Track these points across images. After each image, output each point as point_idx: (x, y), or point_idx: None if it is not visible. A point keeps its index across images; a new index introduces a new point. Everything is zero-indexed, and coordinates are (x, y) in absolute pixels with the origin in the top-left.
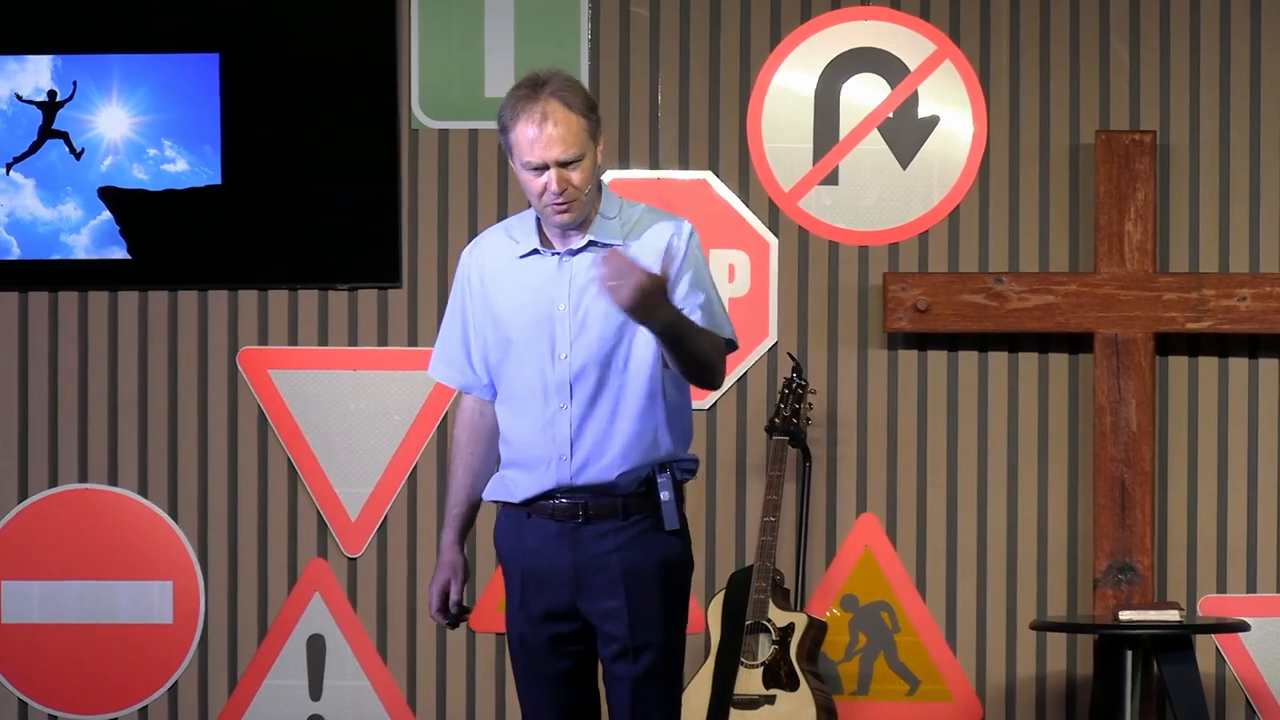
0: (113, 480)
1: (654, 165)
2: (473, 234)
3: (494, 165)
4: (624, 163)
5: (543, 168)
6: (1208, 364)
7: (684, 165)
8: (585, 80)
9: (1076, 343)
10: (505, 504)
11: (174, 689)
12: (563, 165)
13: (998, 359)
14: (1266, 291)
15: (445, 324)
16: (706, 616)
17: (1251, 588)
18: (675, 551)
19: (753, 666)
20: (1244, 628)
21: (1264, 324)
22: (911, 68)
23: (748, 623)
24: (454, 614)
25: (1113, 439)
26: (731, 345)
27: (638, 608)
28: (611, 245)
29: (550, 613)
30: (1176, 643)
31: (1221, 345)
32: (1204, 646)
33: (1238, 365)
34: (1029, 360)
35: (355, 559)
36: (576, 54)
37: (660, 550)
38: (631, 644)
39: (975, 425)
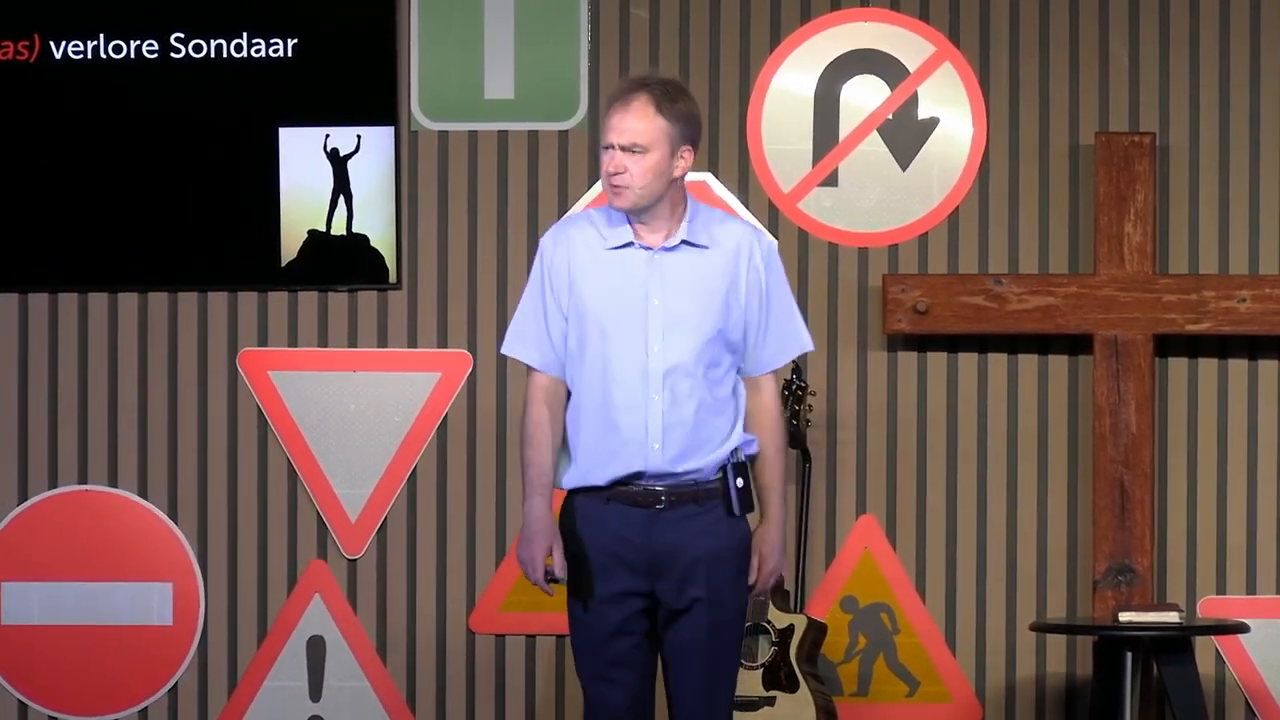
0: (112, 482)
1: None
2: (473, 235)
3: (493, 167)
4: None
5: (609, 148)
6: (1207, 366)
7: None
8: (584, 82)
9: (1076, 344)
10: (583, 489)
11: (174, 690)
12: (626, 151)
13: (997, 360)
14: (1266, 293)
15: (524, 306)
16: None
17: (1251, 589)
18: (744, 535)
19: (753, 668)
20: (1244, 629)
21: (1264, 325)
22: (911, 69)
23: (747, 624)
24: (559, 577)
25: (1112, 440)
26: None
27: (715, 590)
28: (699, 245)
29: (626, 593)
30: (1176, 644)
31: (1221, 347)
32: (1203, 648)
33: (1237, 367)
34: (1028, 362)
35: (355, 560)
36: (576, 55)
37: (734, 534)
38: (709, 624)
39: (975, 427)
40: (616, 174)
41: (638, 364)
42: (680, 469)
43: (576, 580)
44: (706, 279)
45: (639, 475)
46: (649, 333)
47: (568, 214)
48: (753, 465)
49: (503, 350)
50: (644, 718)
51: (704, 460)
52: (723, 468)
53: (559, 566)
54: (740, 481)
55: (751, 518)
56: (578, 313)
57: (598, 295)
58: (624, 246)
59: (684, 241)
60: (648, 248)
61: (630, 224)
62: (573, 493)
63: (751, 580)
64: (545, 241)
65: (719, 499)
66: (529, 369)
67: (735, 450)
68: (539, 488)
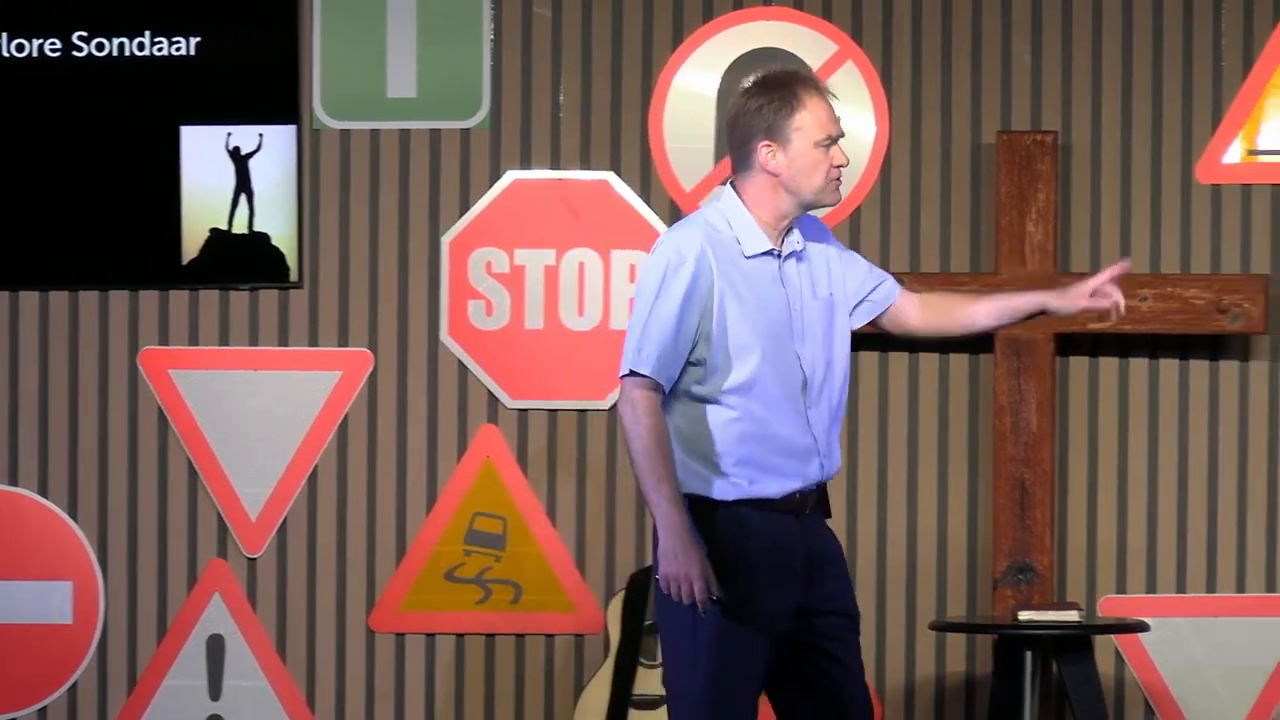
0: (12, 480)
1: (556, 165)
2: (374, 234)
3: (395, 165)
4: (525, 163)
5: (832, 142)
6: (1108, 364)
7: (586, 165)
8: (487, 80)
9: (977, 343)
10: (746, 501)
11: (73, 689)
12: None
13: (898, 359)
14: (1167, 292)
15: (656, 318)
16: (606, 616)
17: (1151, 588)
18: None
19: (652, 666)
20: (1143, 628)
21: (1165, 324)
22: (813, 68)
23: (647, 622)
24: (716, 594)
25: (1012, 439)
26: None
27: (850, 589)
28: (802, 250)
29: (783, 609)
30: (1075, 643)
31: (1122, 346)
32: (1103, 647)
33: (1138, 366)
34: (929, 361)
35: (255, 559)
36: (479, 54)
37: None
38: (856, 621)
39: (875, 426)
40: (842, 166)
41: (792, 374)
42: (831, 475)
43: (736, 595)
44: (817, 283)
45: (803, 484)
46: (794, 342)
47: (685, 219)
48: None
49: (637, 369)
50: None
51: (837, 464)
52: None
53: (712, 582)
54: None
55: None
56: (723, 324)
57: (749, 306)
58: (763, 255)
59: (796, 249)
60: (778, 254)
61: (760, 229)
62: (721, 505)
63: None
64: (682, 250)
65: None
66: (636, 380)
67: None
68: (677, 498)
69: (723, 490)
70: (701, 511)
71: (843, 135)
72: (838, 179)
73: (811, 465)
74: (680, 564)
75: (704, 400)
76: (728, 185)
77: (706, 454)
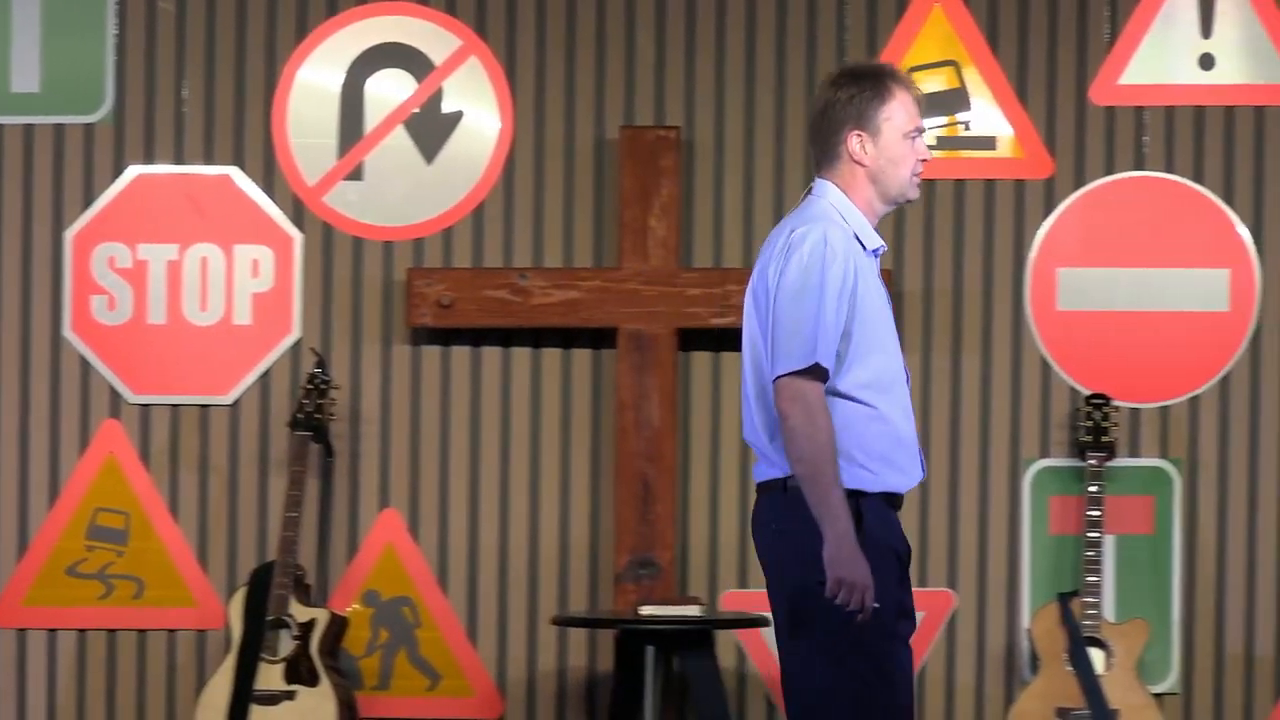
0: None
1: (179, 160)
2: None
3: (19, 161)
4: (149, 158)
5: (919, 134)
6: (731, 359)
7: (209, 161)
8: (110, 75)
9: (600, 338)
10: (888, 494)
11: None
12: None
13: (521, 355)
14: None
15: (829, 314)
16: (228, 611)
17: None
18: None
19: (274, 662)
20: (764, 623)
21: None
22: (437, 63)
23: (269, 618)
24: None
25: (635, 434)
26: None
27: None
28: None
29: (905, 605)
30: (697, 638)
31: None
32: (725, 642)
33: None
34: (552, 356)
35: None
36: (101, 48)
37: None
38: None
39: (498, 421)
40: (926, 161)
41: (903, 370)
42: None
43: (888, 593)
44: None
45: (915, 481)
46: (897, 339)
47: (808, 214)
48: None
49: (809, 362)
50: None
51: None
52: None
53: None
54: None
55: None
56: (862, 320)
57: (875, 301)
58: (874, 251)
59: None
60: (874, 252)
61: (870, 225)
62: (872, 498)
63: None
64: (833, 243)
65: None
66: (806, 376)
67: None
68: (846, 503)
69: (861, 481)
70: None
71: (924, 130)
72: (920, 174)
73: (919, 462)
74: (857, 571)
75: (838, 395)
76: (823, 182)
77: (846, 449)
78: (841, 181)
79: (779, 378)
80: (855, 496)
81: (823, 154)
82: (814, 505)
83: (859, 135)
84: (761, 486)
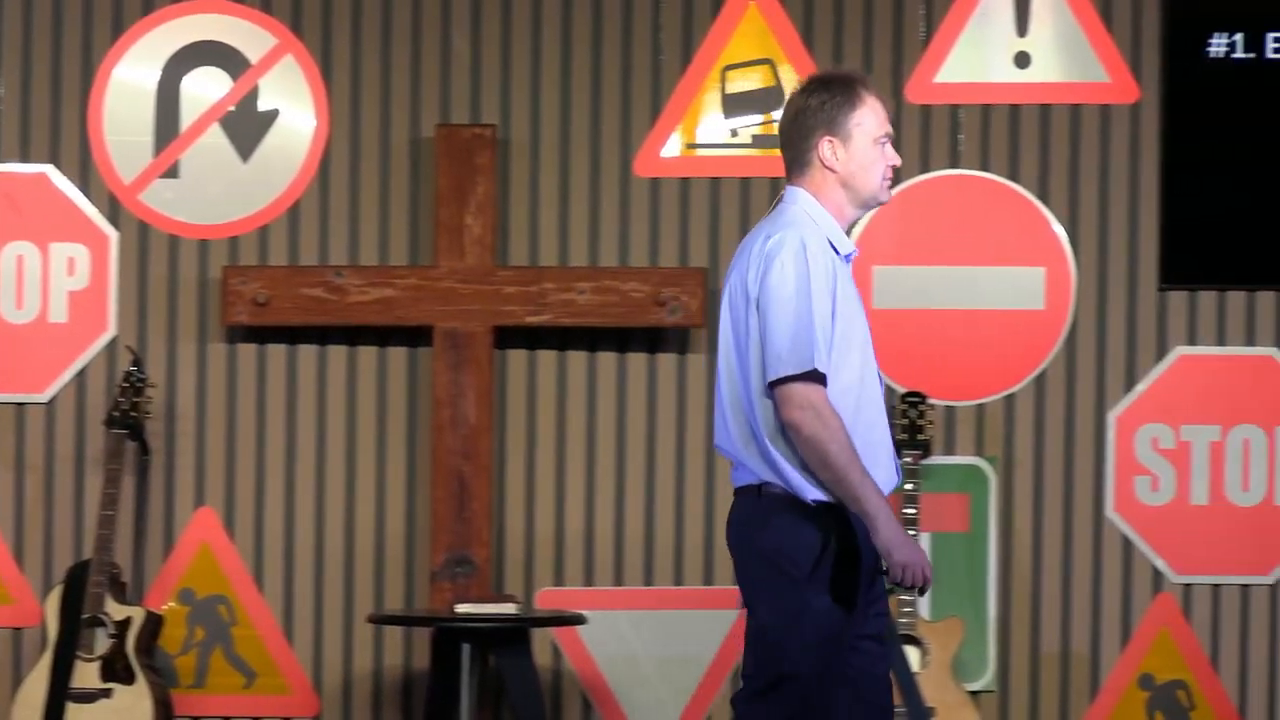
0: None
1: None
2: None
3: None
4: None
5: (888, 140)
6: (547, 357)
7: (25, 159)
8: None
9: (416, 336)
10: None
11: None
12: None
13: (337, 353)
14: (605, 285)
15: (809, 315)
16: (44, 609)
17: (589, 581)
18: None
19: (90, 660)
20: (580, 621)
21: (603, 317)
22: (253, 61)
23: (85, 616)
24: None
25: (451, 432)
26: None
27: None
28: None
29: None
30: (513, 636)
31: (561, 338)
32: (541, 640)
33: (577, 358)
34: (368, 354)
35: None
36: None
37: None
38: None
39: (314, 419)
40: (896, 166)
41: (878, 376)
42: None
43: (850, 597)
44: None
45: (893, 484)
46: (870, 340)
47: (781, 220)
48: None
49: (804, 368)
50: None
51: None
52: None
53: None
54: None
55: None
56: (839, 322)
57: (853, 305)
58: (848, 256)
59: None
60: (847, 256)
61: (841, 230)
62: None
63: None
64: (809, 247)
65: None
66: (805, 380)
67: None
68: (879, 490)
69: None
70: (812, 508)
71: (893, 136)
72: (891, 178)
73: (895, 465)
74: (914, 551)
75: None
76: (794, 188)
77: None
78: (813, 187)
79: (778, 385)
80: (839, 505)
81: (794, 160)
82: (850, 504)
83: (830, 141)
84: (738, 490)
